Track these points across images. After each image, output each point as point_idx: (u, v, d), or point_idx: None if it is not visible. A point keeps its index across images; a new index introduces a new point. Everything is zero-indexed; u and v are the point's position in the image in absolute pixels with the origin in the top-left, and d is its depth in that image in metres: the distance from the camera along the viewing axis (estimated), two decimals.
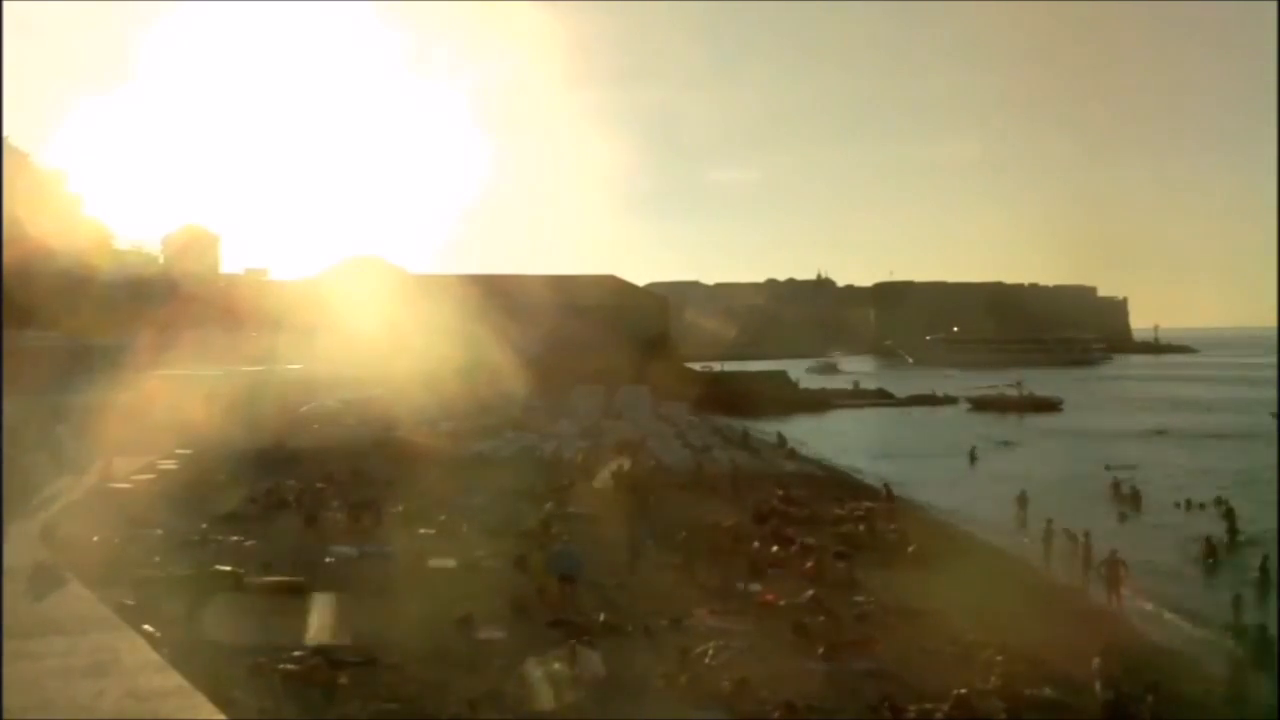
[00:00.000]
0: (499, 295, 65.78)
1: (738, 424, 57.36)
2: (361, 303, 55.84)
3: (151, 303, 53.63)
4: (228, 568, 18.90)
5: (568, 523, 25.21)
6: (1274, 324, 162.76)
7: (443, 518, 25.01)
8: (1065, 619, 19.33)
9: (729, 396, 73.84)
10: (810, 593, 19.28)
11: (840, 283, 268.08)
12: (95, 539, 20.08)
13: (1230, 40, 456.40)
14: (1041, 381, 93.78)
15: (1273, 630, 18.56)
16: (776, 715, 12.92)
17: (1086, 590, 23.27)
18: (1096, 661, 15.09)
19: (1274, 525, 30.16)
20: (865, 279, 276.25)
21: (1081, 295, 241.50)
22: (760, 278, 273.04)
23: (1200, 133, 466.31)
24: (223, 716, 11.20)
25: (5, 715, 10.35)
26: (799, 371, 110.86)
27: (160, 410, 31.96)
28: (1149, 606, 22.14)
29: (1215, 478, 41.74)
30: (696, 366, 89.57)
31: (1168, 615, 21.86)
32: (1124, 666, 15.47)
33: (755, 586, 19.78)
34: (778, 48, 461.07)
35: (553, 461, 38.42)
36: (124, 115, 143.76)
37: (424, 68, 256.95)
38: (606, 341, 63.37)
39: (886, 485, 35.85)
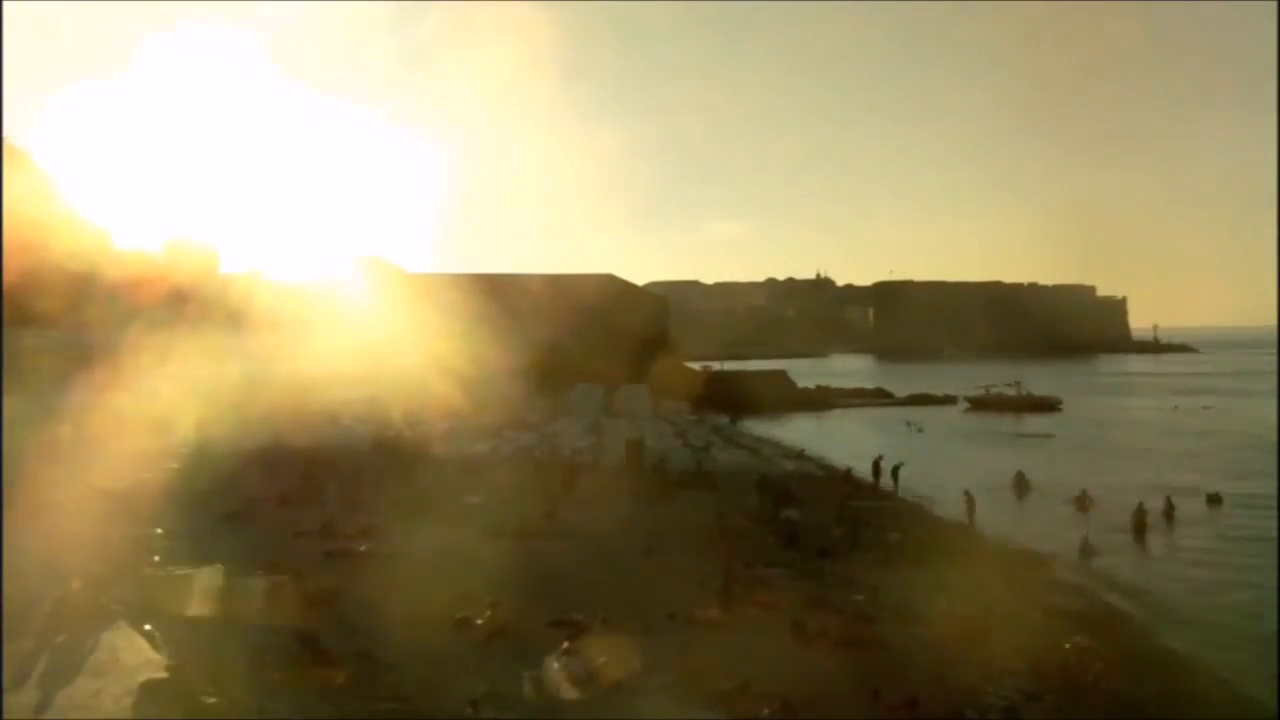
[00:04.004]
0: (498, 295, 65.73)
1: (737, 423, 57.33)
2: (361, 303, 55.90)
3: (151, 303, 53.58)
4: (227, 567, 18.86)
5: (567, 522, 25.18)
6: (1274, 323, 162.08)
7: (442, 517, 24.98)
8: (1064, 618, 19.35)
9: (728, 396, 73.86)
10: (810, 592, 19.27)
11: (840, 282, 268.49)
12: (95, 539, 20.05)
13: (1230, 40, 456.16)
14: None
15: None
16: (774, 714, 12.91)
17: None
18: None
19: None
20: (865, 278, 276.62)
21: (1080, 295, 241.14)
22: (760, 277, 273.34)
23: (1200, 132, 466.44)
24: (223, 717, 11.23)
25: (5, 715, 10.37)
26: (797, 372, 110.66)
27: (160, 410, 31.96)
28: None
29: None
30: (696, 366, 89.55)
31: None
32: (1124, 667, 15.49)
33: (755, 586, 19.75)
34: (779, 47, 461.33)
35: (553, 461, 38.36)
36: (125, 114, 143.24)
37: (424, 67, 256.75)
38: (606, 341, 63.39)
39: (889, 485, 35.89)
